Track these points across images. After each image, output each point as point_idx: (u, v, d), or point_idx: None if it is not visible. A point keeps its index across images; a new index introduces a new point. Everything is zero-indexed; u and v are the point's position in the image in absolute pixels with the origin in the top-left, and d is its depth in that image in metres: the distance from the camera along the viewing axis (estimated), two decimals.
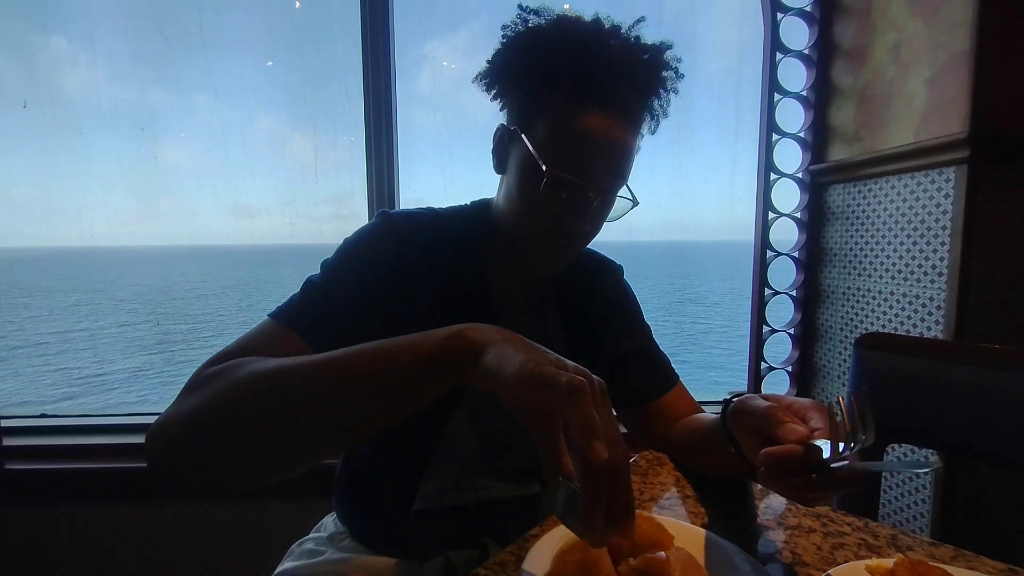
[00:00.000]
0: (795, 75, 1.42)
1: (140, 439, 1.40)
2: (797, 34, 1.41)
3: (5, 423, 1.42)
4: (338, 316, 0.58)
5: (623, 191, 0.66)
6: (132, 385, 12.91)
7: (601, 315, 0.79)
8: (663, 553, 0.45)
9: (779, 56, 1.40)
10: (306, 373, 0.43)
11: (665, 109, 0.66)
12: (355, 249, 0.65)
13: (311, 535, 0.78)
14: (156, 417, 0.46)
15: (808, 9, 1.39)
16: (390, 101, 1.38)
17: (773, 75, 1.40)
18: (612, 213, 0.68)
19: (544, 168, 0.60)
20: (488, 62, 0.66)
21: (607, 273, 0.83)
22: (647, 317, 0.86)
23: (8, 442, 1.37)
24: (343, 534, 0.74)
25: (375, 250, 0.65)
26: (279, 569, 0.72)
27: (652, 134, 0.68)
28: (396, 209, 0.72)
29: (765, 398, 0.55)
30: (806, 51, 1.40)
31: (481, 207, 0.74)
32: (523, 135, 0.62)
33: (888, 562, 0.47)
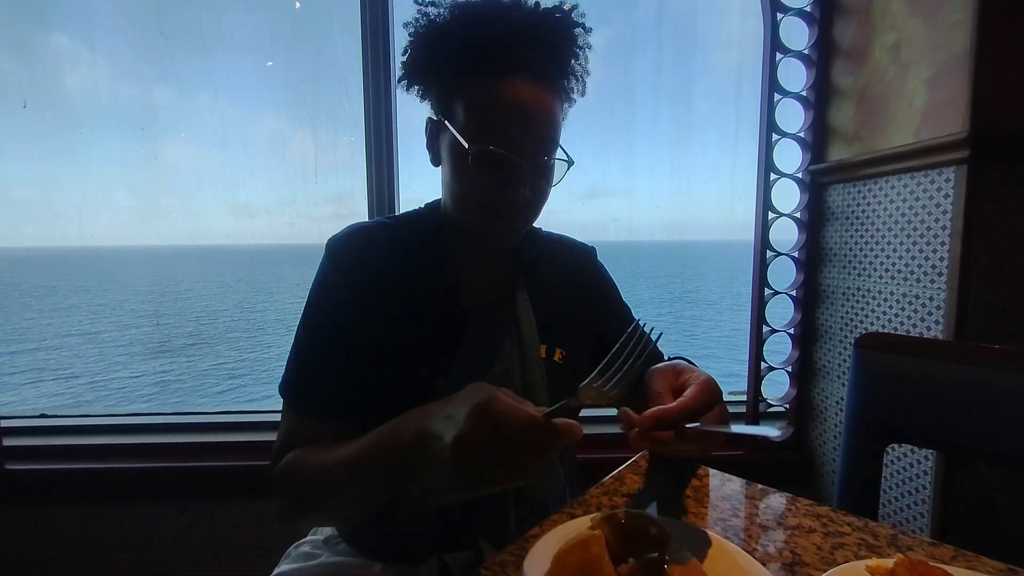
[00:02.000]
0: (795, 75, 1.43)
1: (139, 439, 1.41)
2: (797, 34, 1.42)
3: (5, 423, 1.42)
4: (331, 375, 0.65)
5: (558, 154, 0.65)
6: (132, 392, 12.87)
7: (579, 301, 0.79)
8: (664, 554, 0.45)
9: (779, 56, 1.40)
10: (334, 476, 0.57)
11: (585, 67, 0.67)
12: (315, 302, 0.68)
13: (307, 538, 0.78)
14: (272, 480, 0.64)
15: (808, 9, 1.39)
16: (390, 101, 1.38)
17: (773, 75, 1.40)
18: (549, 176, 0.67)
19: (467, 146, 0.60)
20: (402, 64, 0.67)
21: (580, 258, 0.83)
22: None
23: (8, 442, 1.37)
24: (338, 538, 0.74)
25: (329, 294, 0.67)
26: (276, 571, 0.72)
27: (582, 96, 0.69)
28: (344, 229, 0.71)
29: (677, 374, 0.60)
30: (806, 51, 1.40)
31: (434, 207, 0.74)
32: (446, 122, 0.63)
33: (888, 562, 0.47)
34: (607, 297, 0.84)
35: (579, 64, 0.66)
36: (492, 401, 0.43)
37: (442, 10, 0.63)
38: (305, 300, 0.69)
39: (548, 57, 0.62)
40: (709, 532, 0.54)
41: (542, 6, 0.63)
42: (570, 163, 0.66)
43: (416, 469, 0.51)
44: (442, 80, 0.64)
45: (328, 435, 0.62)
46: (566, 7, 0.64)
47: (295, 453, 0.62)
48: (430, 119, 0.67)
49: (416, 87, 0.68)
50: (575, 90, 0.68)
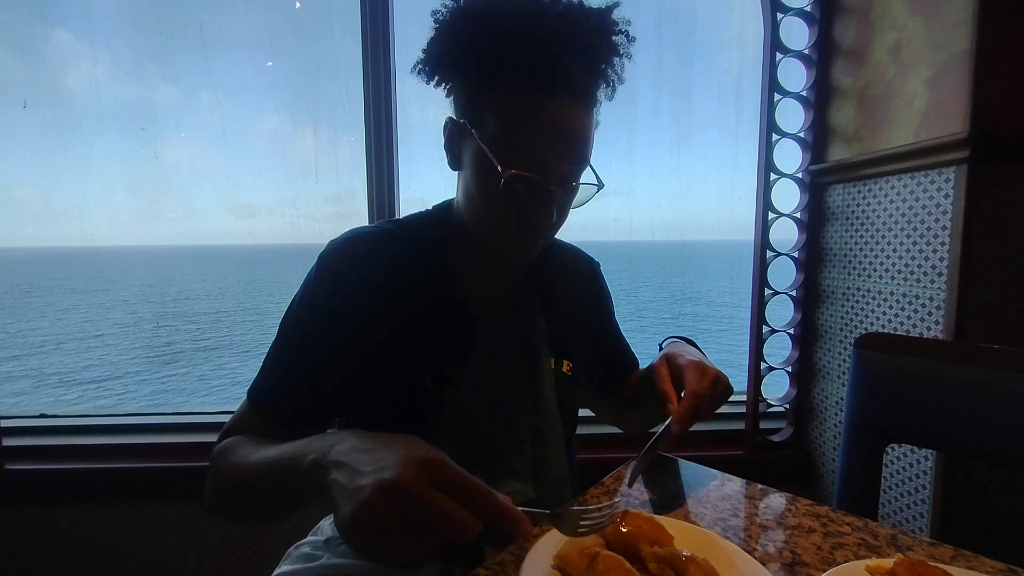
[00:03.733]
0: (795, 75, 1.42)
1: (139, 439, 1.41)
2: (797, 34, 1.41)
3: (5, 423, 1.42)
4: (297, 383, 0.63)
5: (587, 175, 0.62)
6: (133, 398, 12.84)
7: (586, 314, 0.80)
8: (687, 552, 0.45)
9: (779, 56, 1.40)
10: (242, 477, 0.55)
11: (620, 75, 0.62)
12: (295, 312, 0.65)
13: (308, 538, 0.77)
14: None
15: (808, 9, 1.39)
16: (390, 101, 1.38)
17: (773, 75, 1.40)
18: (577, 198, 0.64)
19: (500, 168, 0.56)
20: (423, 51, 0.61)
21: (588, 271, 0.84)
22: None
23: (8, 442, 1.37)
24: (339, 539, 0.74)
25: (309, 304, 0.65)
26: (276, 572, 0.72)
27: (609, 100, 0.64)
28: (341, 236, 0.69)
29: (676, 366, 0.66)
30: (806, 51, 1.40)
31: (443, 209, 0.71)
32: (472, 130, 0.58)
33: (888, 562, 0.47)
34: (607, 314, 0.86)
35: (615, 72, 0.61)
36: (444, 458, 0.39)
37: None
38: (291, 301, 0.67)
39: (588, 68, 0.57)
40: (709, 532, 0.54)
41: (583, 2, 0.58)
42: (600, 186, 0.63)
43: (306, 496, 0.47)
44: (468, 80, 0.59)
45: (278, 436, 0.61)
46: (615, 15, 0.59)
47: (233, 439, 0.61)
48: (451, 120, 0.62)
49: (437, 79, 0.62)
50: (606, 96, 0.64)
